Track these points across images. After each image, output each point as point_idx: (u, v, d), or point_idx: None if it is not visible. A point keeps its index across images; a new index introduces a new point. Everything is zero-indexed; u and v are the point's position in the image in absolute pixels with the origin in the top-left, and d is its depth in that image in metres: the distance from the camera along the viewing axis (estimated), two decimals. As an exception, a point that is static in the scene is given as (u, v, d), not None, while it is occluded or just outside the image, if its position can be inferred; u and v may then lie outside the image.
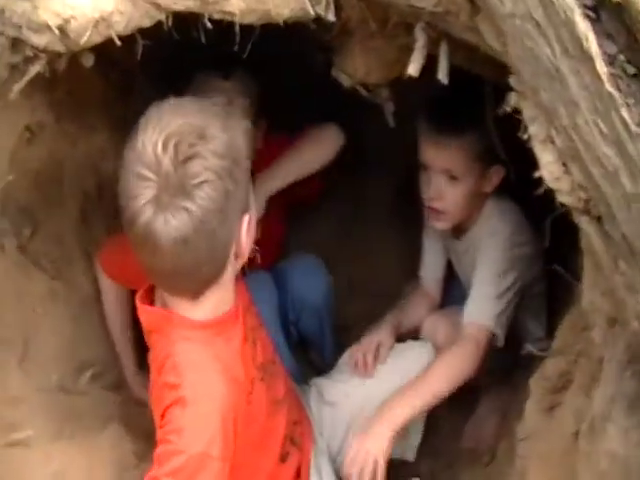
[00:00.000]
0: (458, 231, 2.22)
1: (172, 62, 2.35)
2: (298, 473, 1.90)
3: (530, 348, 2.14)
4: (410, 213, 2.39)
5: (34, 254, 1.99)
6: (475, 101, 1.95)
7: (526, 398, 1.85)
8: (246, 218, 1.56)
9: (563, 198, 1.35)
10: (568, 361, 1.58)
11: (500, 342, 2.09)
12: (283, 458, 1.83)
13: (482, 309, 2.04)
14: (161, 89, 2.43)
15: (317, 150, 2.28)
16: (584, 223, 1.34)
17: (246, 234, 1.56)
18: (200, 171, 1.44)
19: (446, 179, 2.06)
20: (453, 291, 2.40)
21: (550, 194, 1.53)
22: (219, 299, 1.60)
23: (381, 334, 2.18)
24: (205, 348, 1.57)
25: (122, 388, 2.20)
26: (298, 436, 1.91)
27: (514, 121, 1.79)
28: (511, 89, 1.56)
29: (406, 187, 2.52)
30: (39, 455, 1.77)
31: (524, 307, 2.20)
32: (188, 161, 1.44)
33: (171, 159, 1.43)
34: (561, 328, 1.72)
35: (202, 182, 1.45)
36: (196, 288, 1.56)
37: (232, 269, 1.60)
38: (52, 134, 2.01)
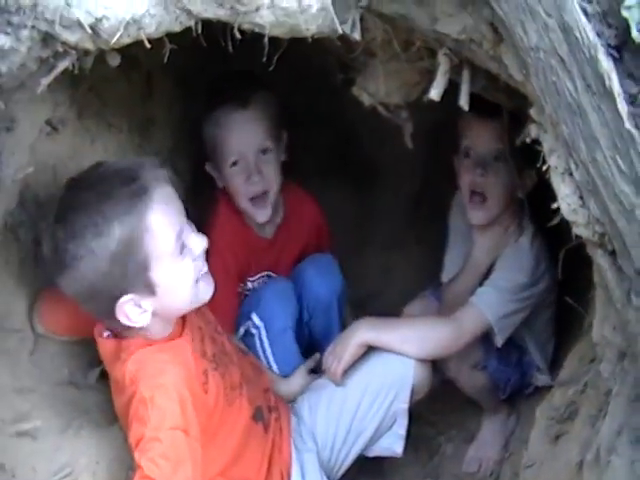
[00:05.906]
0: None
1: (193, 69, 2.38)
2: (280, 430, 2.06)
3: (538, 380, 2.17)
4: (423, 227, 2.41)
5: (49, 248, 2.00)
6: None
7: (529, 425, 1.86)
8: (129, 300, 1.71)
9: (579, 230, 1.37)
10: (575, 391, 1.60)
11: (498, 343, 2.13)
12: (265, 428, 2.01)
13: (490, 299, 2.10)
14: (180, 95, 2.47)
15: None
16: (598, 256, 1.36)
17: (133, 313, 1.72)
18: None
19: (490, 159, 2.13)
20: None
21: (564, 226, 1.56)
22: (158, 330, 1.79)
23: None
24: (153, 353, 1.76)
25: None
26: (273, 401, 2.08)
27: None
28: (530, 120, 1.59)
29: (419, 201, 2.55)
30: (46, 447, 1.79)
31: (530, 328, 2.23)
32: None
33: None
34: (569, 358, 1.74)
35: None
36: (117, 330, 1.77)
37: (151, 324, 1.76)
38: (73, 130, 2.03)
